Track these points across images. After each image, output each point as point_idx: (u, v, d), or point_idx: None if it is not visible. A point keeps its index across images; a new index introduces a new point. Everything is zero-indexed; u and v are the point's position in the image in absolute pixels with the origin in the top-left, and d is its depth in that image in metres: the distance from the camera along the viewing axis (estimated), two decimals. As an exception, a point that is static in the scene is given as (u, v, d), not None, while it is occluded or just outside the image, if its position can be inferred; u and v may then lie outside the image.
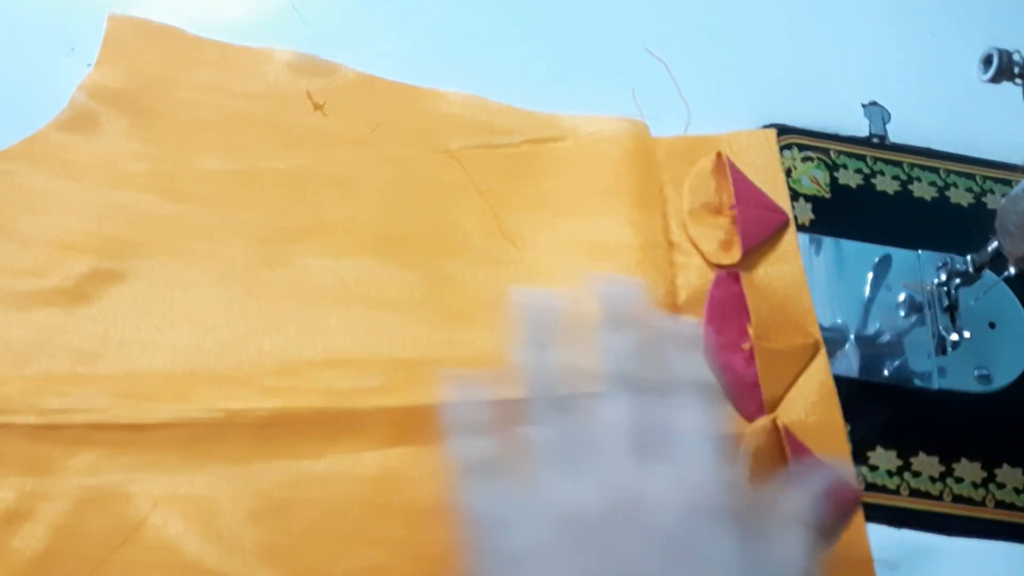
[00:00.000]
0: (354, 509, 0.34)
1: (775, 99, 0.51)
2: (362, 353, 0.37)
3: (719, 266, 0.42)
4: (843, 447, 0.40)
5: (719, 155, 0.45)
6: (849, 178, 0.48)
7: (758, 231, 0.43)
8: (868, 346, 0.43)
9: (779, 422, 0.38)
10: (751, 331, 0.40)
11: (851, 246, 0.46)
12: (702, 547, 0.26)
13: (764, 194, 0.45)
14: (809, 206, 0.47)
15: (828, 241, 0.46)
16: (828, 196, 0.47)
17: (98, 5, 0.46)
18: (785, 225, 0.44)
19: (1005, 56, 0.35)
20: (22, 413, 0.33)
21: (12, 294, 0.36)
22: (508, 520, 0.27)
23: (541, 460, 0.28)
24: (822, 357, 0.41)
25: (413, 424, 0.35)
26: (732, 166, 0.45)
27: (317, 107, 0.44)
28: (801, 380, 0.41)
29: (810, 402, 0.40)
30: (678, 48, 0.52)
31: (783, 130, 0.49)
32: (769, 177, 0.46)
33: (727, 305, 0.41)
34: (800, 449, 0.38)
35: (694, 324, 0.38)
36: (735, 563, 0.26)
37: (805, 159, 0.48)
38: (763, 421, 0.39)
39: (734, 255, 0.42)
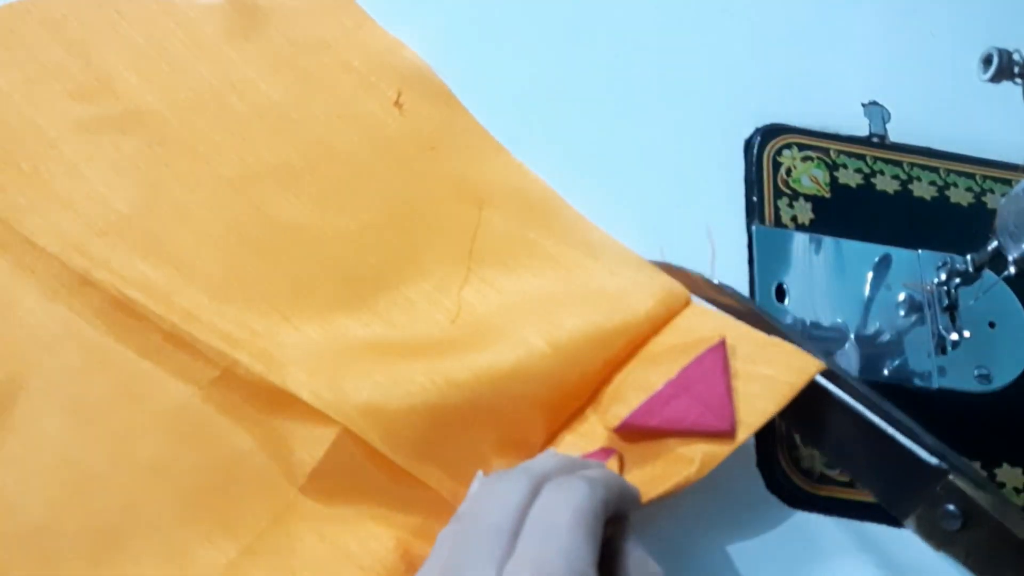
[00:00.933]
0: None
1: (775, 99, 0.51)
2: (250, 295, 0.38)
3: (612, 429, 0.35)
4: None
5: (723, 343, 0.35)
6: (849, 178, 0.48)
7: (680, 421, 0.34)
8: (868, 346, 0.43)
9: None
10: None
11: (851, 246, 0.46)
12: None
13: (727, 404, 0.34)
14: (809, 206, 0.47)
15: (828, 241, 0.46)
16: (828, 196, 0.47)
17: (98, 5, 0.46)
18: (727, 437, 0.33)
19: (1005, 56, 0.35)
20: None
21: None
22: None
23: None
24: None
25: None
26: (718, 355, 0.35)
27: (397, 104, 0.45)
28: None
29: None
30: (678, 48, 0.52)
31: (783, 130, 0.49)
32: (772, 395, 0.34)
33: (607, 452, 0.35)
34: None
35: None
36: None
37: (805, 159, 0.48)
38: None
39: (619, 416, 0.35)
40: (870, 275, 0.45)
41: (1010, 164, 0.51)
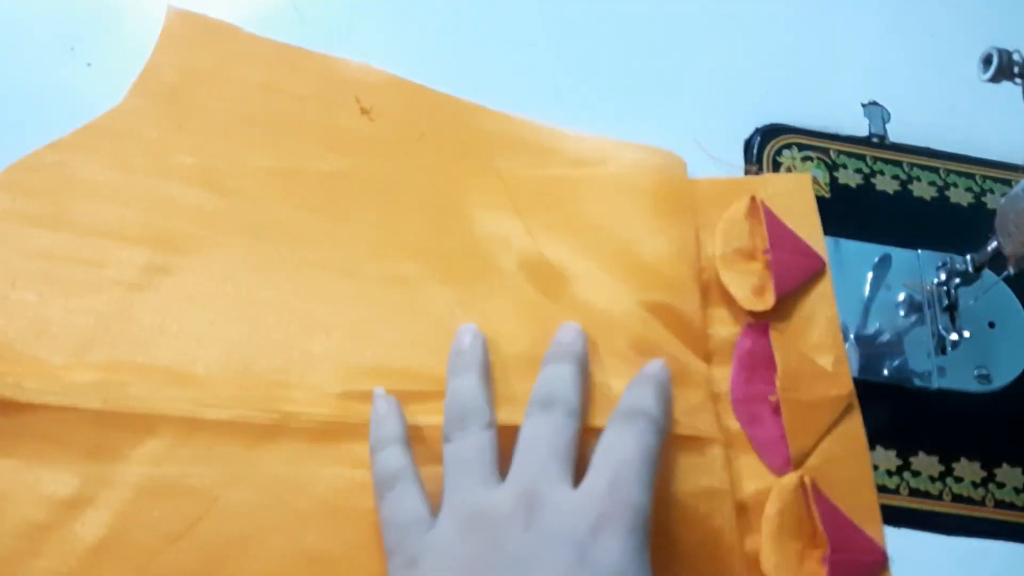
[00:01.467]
0: None
1: (775, 99, 0.51)
2: (409, 364, 0.37)
3: (751, 313, 0.41)
4: (872, 505, 0.39)
5: (753, 199, 0.44)
6: (849, 178, 0.48)
7: (792, 276, 0.42)
8: (868, 345, 0.43)
9: (807, 479, 0.37)
10: (778, 383, 0.39)
11: (851, 246, 0.46)
12: (600, 555, 0.27)
13: (799, 239, 0.43)
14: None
15: (828, 241, 0.45)
16: (828, 196, 0.47)
17: (97, 5, 0.46)
18: (821, 271, 0.43)
19: (1005, 56, 0.35)
20: (85, 397, 0.33)
21: (70, 283, 0.36)
22: (416, 521, 0.30)
23: (454, 472, 0.31)
24: (855, 410, 0.40)
25: None
26: (766, 210, 0.43)
27: (364, 112, 0.44)
28: (833, 433, 0.39)
29: (840, 457, 0.39)
30: (678, 47, 0.52)
31: (783, 130, 0.49)
32: (805, 221, 0.44)
33: (755, 357, 0.41)
34: (828, 508, 0.37)
35: (659, 364, 0.36)
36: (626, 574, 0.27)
37: (805, 159, 0.48)
38: (790, 477, 0.38)
39: (767, 301, 0.41)
40: (870, 275, 0.45)
41: (1010, 164, 0.51)
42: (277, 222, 0.40)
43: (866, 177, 0.49)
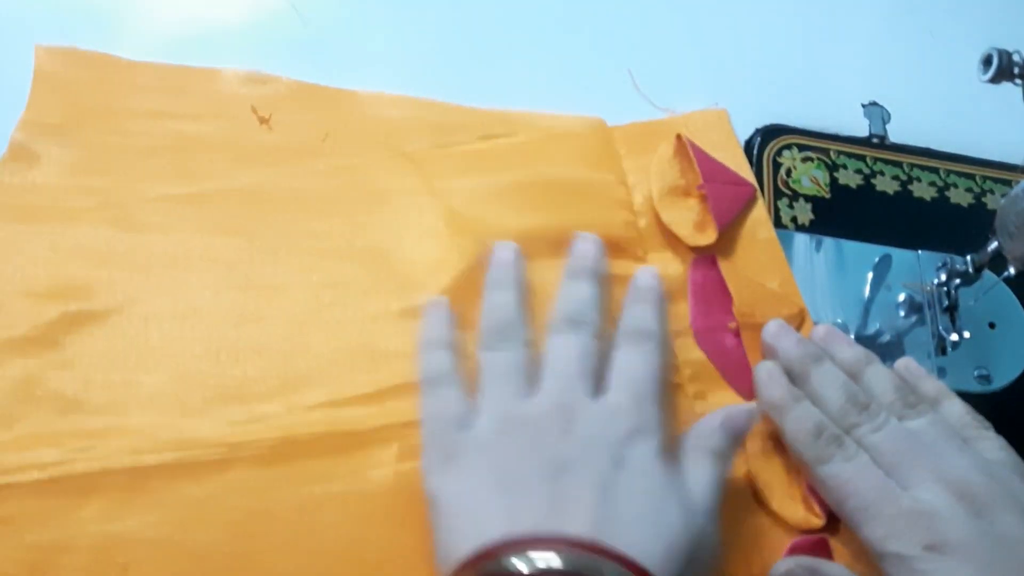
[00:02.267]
0: (374, 528, 0.33)
1: (775, 99, 0.51)
2: (350, 371, 0.36)
3: (696, 248, 0.43)
4: None
5: (679, 137, 0.45)
6: (849, 178, 0.48)
7: (729, 206, 0.43)
8: (868, 346, 0.43)
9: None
10: (735, 310, 0.41)
11: (851, 246, 0.46)
12: (635, 460, 0.30)
13: (729, 169, 0.45)
14: (809, 206, 0.47)
15: (828, 241, 0.46)
16: (828, 196, 0.47)
17: (97, 5, 0.46)
18: (754, 197, 0.45)
19: (1005, 56, 0.35)
20: (23, 471, 0.32)
21: None
22: (458, 419, 0.32)
23: (493, 379, 0.33)
24: (808, 324, 0.42)
25: (415, 437, 0.34)
26: (693, 146, 0.45)
27: (263, 121, 0.43)
28: None
29: None
30: (678, 48, 0.52)
31: (783, 130, 0.49)
32: (729, 153, 0.46)
33: (708, 288, 0.42)
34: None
35: (650, 273, 0.39)
36: (656, 477, 0.30)
37: (805, 159, 0.48)
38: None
39: (710, 235, 0.42)
40: (870, 276, 0.45)
41: (1010, 164, 0.51)
42: (194, 251, 0.38)
43: (866, 178, 0.49)
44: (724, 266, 0.42)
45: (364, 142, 0.43)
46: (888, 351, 0.43)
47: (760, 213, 0.44)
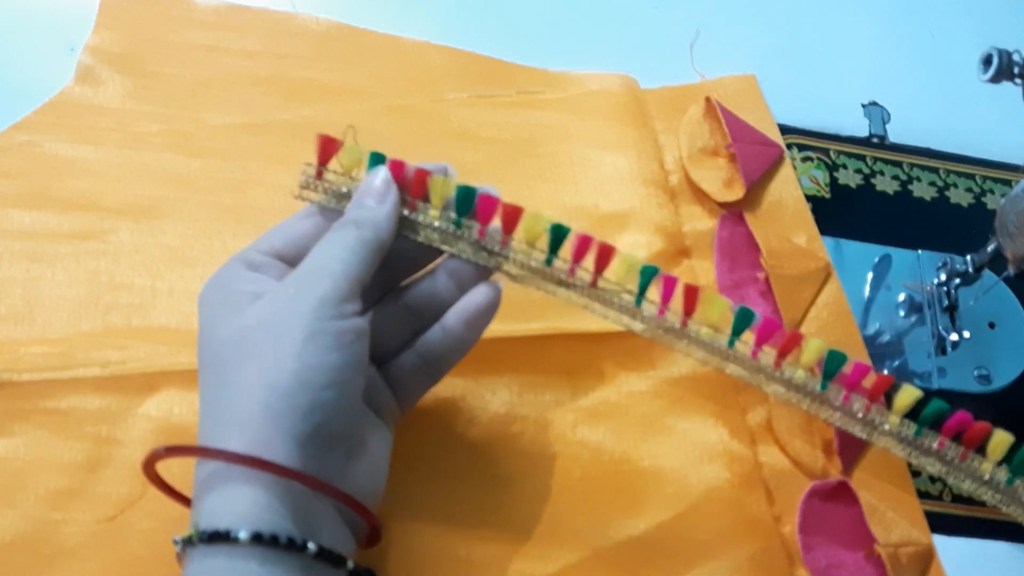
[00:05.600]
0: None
1: (775, 99, 0.51)
2: None
3: (724, 205, 0.44)
4: (864, 357, 0.41)
5: (708, 100, 0.46)
6: (849, 178, 0.48)
7: (757, 165, 0.45)
8: (868, 346, 0.43)
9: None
10: (763, 262, 0.41)
11: (851, 246, 0.46)
12: None
13: (756, 130, 0.46)
14: (809, 206, 0.47)
15: (828, 241, 0.45)
16: (828, 196, 0.47)
17: (96, 5, 0.46)
18: (781, 157, 0.46)
19: (1005, 56, 0.35)
20: (86, 366, 0.34)
21: (56, 257, 0.37)
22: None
23: None
24: (834, 278, 0.42)
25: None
26: (722, 108, 0.46)
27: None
28: (818, 303, 0.42)
29: (829, 323, 0.41)
30: (678, 48, 0.52)
31: (783, 130, 0.49)
32: (758, 116, 0.47)
33: (735, 244, 0.43)
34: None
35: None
36: None
37: (805, 159, 0.48)
38: None
39: (737, 191, 0.43)
40: (870, 275, 0.45)
41: (1010, 164, 0.51)
42: (253, 175, 0.41)
43: (866, 177, 0.49)
44: (751, 222, 0.43)
45: (407, 86, 0.45)
46: (888, 351, 0.43)
47: (787, 172, 0.46)
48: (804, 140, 0.49)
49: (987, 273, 0.43)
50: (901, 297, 0.45)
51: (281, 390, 0.25)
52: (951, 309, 0.44)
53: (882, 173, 0.49)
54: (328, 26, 0.46)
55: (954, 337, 0.43)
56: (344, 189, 0.30)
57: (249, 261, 0.29)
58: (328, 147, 0.30)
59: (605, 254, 0.29)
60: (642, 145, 0.45)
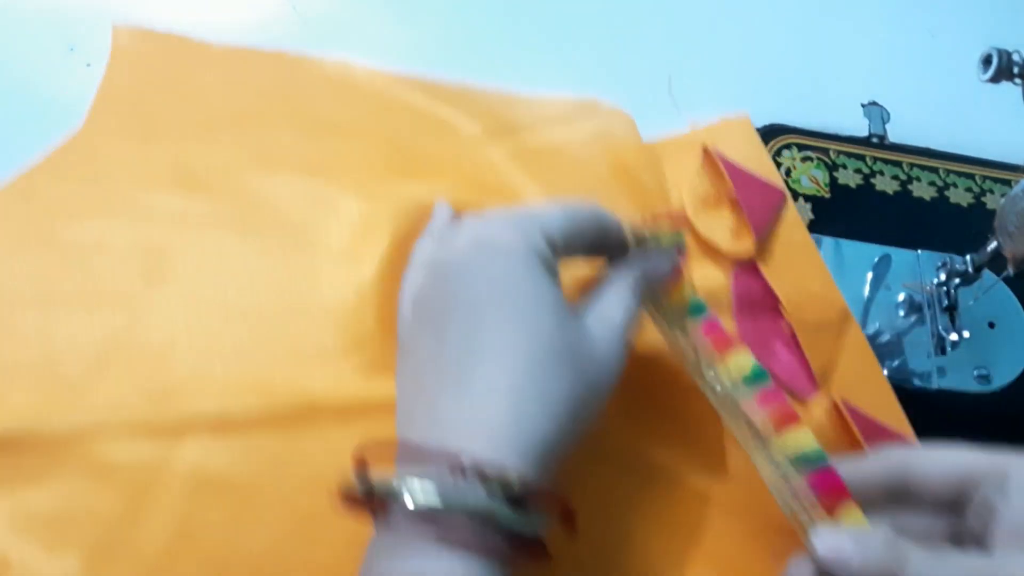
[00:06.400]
0: None
1: (775, 99, 0.51)
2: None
3: (736, 259, 0.43)
4: (894, 406, 0.40)
5: (705, 150, 0.46)
6: (848, 178, 0.48)
7: (763, 213, 0.44)
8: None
9: (835, 399, 0.39)
10: (783, 312, 0.41)
11: (851, 246, 0.46)
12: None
13: (757, 177, 0.45)
14: (809, 206, 0.47)
15: (828, 241, 0.46)
16: (827, 196, 0.47)
17: (97, 5, 0.46)
18: (784, 201, 0.45)
19: (1005, 56, 0.35)
20: (115, 412, 0.33)
21: (71, 301, 0.36)
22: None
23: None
24: (853, 323, 0.42)
25: None
26: (722, 157, 0.45)
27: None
28: (843, 347, 0.41)
29: (855, 369, 0.41)
30: (678, 48, 0.52)
31: (783, 130, 0.49)
32: (755, 159, 0.46)
33: (752, 296, 0.42)
34: (861, 418, 0.38)
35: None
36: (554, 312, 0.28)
37: (805, 159, 0.48)
38: (820, 401, 0.39)
39: (748, 244, 0.42)
40: (870, 275, 0.45)
41: (1010, 164, 0.51)
42: (262, 214, 0.40)
43: (866, 177, 0.49)
44: (766, 271, 0.42)
45: (424, 124, 0.44)
46: (888, 351, 0.43)
47: (792, 216, 0.45)
48: (804, 140, 0.49)
49: (987, 273, 0.43)
50: (901, 297, 0.45)
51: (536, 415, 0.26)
52: (951, 309, 0.44)
53: (882, 173, 0.49)
54: (342, 68, 0.45)
55: (954, 337, 0.43)
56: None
57: (541, 253, 0.28)
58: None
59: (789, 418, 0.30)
60: (647, 200, 0.43)
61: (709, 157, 0.45)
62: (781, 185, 0.45)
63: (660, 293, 0.33)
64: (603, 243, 0.32)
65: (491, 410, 0.25)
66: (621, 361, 0.29)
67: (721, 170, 0.44)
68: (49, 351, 0.34)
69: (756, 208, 0.43)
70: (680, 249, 0.33)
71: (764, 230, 0.43)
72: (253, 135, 0.42)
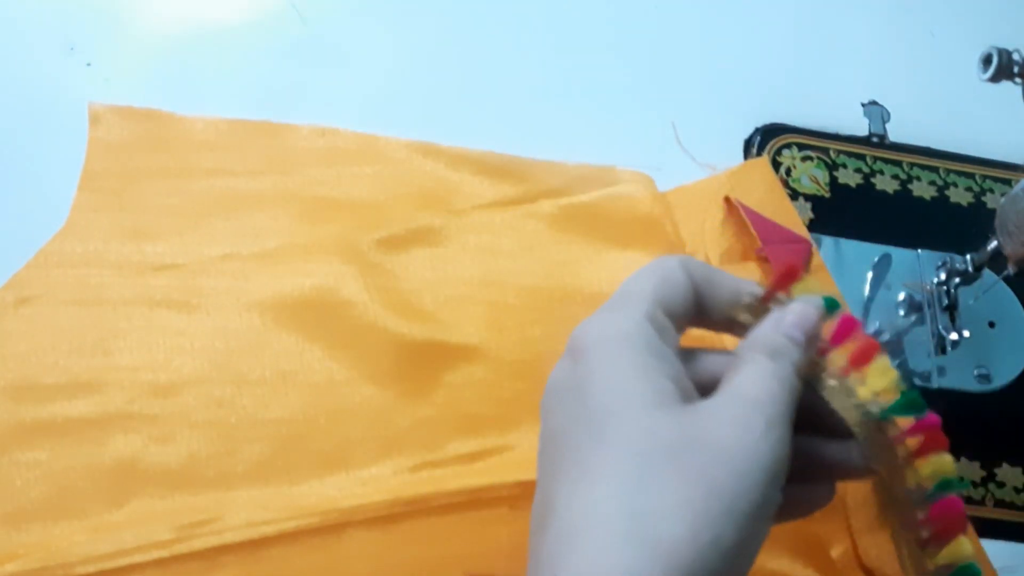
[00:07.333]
0: None
1: (775, 99, 0.51)
2: (445, 433, 0.36)
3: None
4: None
5: (728, 200, 0.44)
6: (849, 177, 0.48)
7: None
8: (868, 345, 0.43)
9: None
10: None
11: (851, 245, 0.46)
12: None
13: (782, 227, 0.44)
14: (809, 205, 0.47)
15: (828, 240, 0.46)
16: (828, 195, 0.47)
17: (97, 5, 0.46)
18: (810, 253, 0.43)
19: (1005, 55, 0.35)
20: (142, 551, 0.32)
21: (73, 439, 0.34)
22: None
23: None
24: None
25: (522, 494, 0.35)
26: (746, 208, 0.43)
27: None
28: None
29: None
30: (678, 48, 0.52)
31: (783, 129, 0.49)
32: (776, 204, 0.45)
33: None
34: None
35: None
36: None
37: (805, 158, 0.48)
38: None
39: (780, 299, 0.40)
40: (870, 275, 0.45)
41: (1010, 164, 0.51)
42: (271, 315, 0.37)
43: (866, 177, 0.49)
44: None
45: (425, 198, 0.42)
46: (888, 350, 0.43)
47: (818, 262, 0.43)
48: (804, 139, 0.49)
49: (987, 272, 0.43)
50: (901, 296, 0.45)
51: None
52: (951, 308, 0.44)
53: (882, 172, 0.49)
54: (339, 136, 0.43)
55: (954, 336, 0.43)
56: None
57: (659, 325, 0.24)
58: (787, 277, 0.27)
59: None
60: (673, 251, 0.42)
61: (733, 209, 0.44)
62: (805, 233, 0.44)
63: (852, 380, 0.26)
64: (711, 303, 0.27)
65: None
66: (771, 450, 0.21)
67: (746, 222, 0.43)
68: (61, 488, 0.33)
69: (784, 261, 0.42)
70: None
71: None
72: (247, 221, 0.40)
